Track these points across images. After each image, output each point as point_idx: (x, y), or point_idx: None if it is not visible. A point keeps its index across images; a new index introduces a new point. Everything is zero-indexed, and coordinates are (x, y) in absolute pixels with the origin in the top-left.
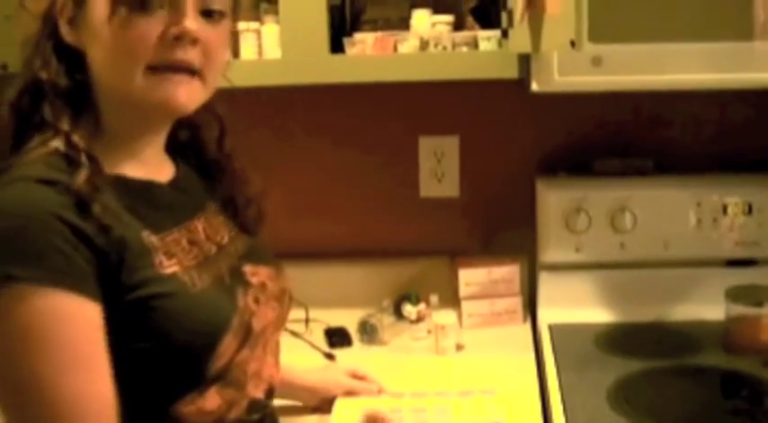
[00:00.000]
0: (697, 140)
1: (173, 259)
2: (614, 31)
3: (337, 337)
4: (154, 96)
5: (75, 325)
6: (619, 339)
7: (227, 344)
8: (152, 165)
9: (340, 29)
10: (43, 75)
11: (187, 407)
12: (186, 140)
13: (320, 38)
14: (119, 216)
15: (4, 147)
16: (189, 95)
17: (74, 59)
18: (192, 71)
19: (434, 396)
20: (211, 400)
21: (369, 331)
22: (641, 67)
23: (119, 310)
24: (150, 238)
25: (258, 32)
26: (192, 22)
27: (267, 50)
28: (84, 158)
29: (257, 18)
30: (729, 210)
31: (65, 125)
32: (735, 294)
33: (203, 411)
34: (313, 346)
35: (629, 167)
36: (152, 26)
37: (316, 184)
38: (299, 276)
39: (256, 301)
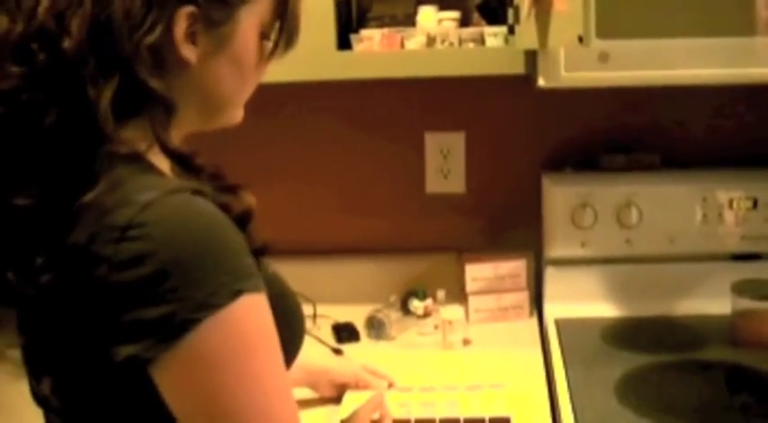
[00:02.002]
0: (703, 136)
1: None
2: (621, 26)
3: (345, 333)
4: (241, 113)
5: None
6: (625, 334)
7: None
8: None
9: (347, 25)
10: (154, 82)
11: None
12: None
13: (327, 34)
14: None
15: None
16: None
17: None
18: None
19: (443, 390)
20: None
21: (376, 326)
22: (648, 63)
23: None
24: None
25: None
26: None
27: None
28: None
29: None
30: (735, 204)
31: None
32: (741, 288)
33: None
34: (321, 341)
35: (635, 163)
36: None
37: (321, 181)
38: (306, 272)
39: None
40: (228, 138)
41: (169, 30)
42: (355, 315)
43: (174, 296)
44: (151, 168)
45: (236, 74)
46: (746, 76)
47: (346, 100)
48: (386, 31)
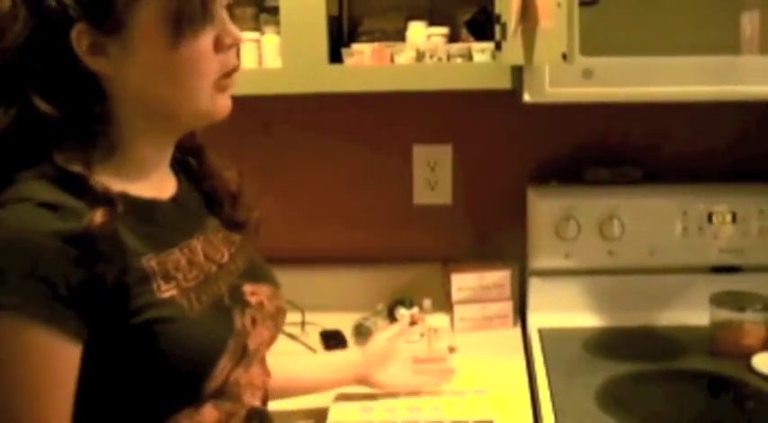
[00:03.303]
0: (684, 151)
1: (171, 282)
2: (604, 44)
3: (333, 340)
4: (218, 108)
5: (44, 361)
6: (607, 343)
7: (223, 366)
8: (157, 182)
9: (338, 39)
10: (49, 110)
11: (185, 420)
12: None
13: (319, 48)
14: (121, 243)
15: None
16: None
17: (83, 87)
18: None
19: (428, 396)
20: (208, 414)
21: (363, 334)
22: (630, 80)
23: (123, 334)
24: (150, 262)
25: (258, 42)
26: (234, 26)
27: (267, 60)
28: (103, 198)
29: (258, 28)
30: (714, 218)
31: (78, 166)
32: (719, 300)
33: None
34: (309, 348)
35: (617, 177)
36: (207, 41)
37: (311, 191)
38: (295, 281)
39: (253, 321)
40: (219, 147)
41: (68, 52)
42: (343, 323)
43: None
44: (51, 180)
45: (160, 67)
46: (726, 94)
47: (337, 112)
48: (376, 45)
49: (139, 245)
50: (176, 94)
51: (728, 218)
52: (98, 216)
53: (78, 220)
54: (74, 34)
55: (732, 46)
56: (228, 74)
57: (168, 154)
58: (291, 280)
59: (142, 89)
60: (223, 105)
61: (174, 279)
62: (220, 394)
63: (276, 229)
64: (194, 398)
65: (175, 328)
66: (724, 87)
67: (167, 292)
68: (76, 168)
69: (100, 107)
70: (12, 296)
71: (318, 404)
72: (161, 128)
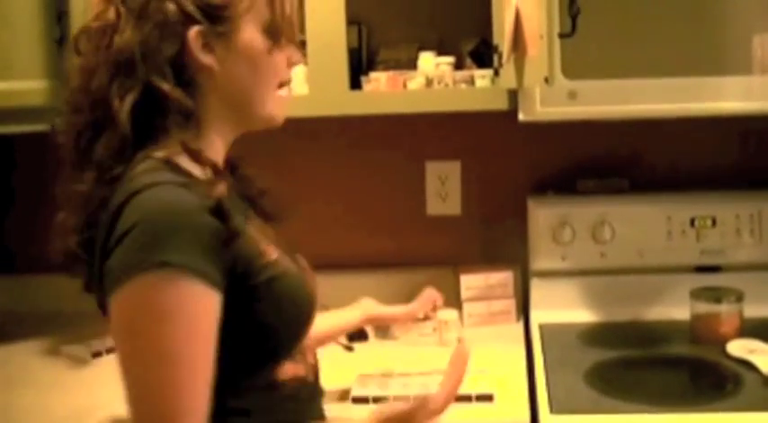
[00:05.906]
0: (666, 162)
1: (271, 246)
2: (587, 69)
3: (355, 333)
4: (278, 111)
5: (206, 314)
6: (599, 335)
7: (314, 317)
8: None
9: (357, 68)
10: (166, 87)
11: (286, 373)
12: None
13: (341, 76)
14: (235, 214)
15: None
16: None
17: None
18: None
19: (437, 374)
20: (298, 367)
21: (382, 328)
22: (609, 100)
23: (245, 294)
24: (251, 229)
25: None
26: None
27: (296, 87)
28: (217, 172)
29: None
30: (696, 223)
31: (192, 142)
32: (698, 294)
33: (297, 377)
34: (335, 340)
35: (607, 187)
36: (284, 53)
37: (336, 204)
38: (323, 283)
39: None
40: (261, 163)
41: (184, 47)
42: None
43: (122, 255)
44: (170, 167)
45: (251, 69)
46: (701, 110)
47: (357, 133)
48: (391, 73)
49: (243, 216)
50: (257, 90)
51: (709, 222)
52: (221, 188)
53: (207, 195)
54: (192, 34)
55: (699, 68)
56: (284, 84)
57: (225, 151)
58: (320, 283)
59: (232, 83)
60: (281, 111)
61: (272, 243)
62: (301, 350)
63: (303, 236)
64: (294, 350)
65: (287, 283)
66: (696, 105)
67: (272, 254)
68: (195, 146)
69: (192, 97)
70: (185, 257)
71: (341, 385)
72: (235, 120)
